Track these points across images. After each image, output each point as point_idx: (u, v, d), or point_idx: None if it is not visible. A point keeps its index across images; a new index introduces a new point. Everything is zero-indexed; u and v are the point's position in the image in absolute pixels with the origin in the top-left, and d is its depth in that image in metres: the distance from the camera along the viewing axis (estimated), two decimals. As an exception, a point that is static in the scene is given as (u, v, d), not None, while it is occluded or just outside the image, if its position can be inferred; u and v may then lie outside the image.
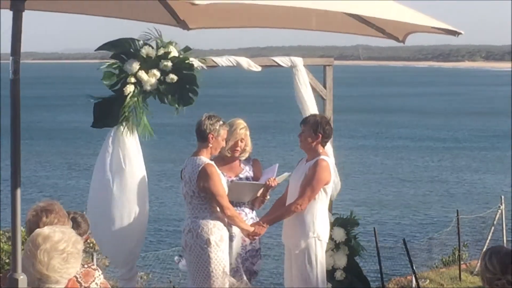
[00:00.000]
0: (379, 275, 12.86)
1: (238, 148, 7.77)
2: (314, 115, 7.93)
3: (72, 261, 3.74)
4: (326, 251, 8.01)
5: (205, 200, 7.23)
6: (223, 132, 7.33)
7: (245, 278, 7.40)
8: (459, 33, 5.23)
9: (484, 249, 5.64)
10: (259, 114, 57.48)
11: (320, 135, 7.65)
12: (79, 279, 4.82)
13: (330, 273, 8.49)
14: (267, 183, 7.70)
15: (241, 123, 7.83)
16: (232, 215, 7.29)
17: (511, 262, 4.69)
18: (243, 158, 7.89)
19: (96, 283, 4.87)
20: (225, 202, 7.25)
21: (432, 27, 5.35)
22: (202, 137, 7.29)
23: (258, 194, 7.81)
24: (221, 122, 7.31)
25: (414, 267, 13.11)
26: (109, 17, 6.46)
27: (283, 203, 7.85)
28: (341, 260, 8.61)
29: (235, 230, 7.59)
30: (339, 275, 8.61)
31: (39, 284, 3.65)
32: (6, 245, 11.06)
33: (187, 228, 7.30)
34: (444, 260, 15.95)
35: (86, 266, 4.92)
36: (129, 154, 7.51)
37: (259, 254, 7.91)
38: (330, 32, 6.49)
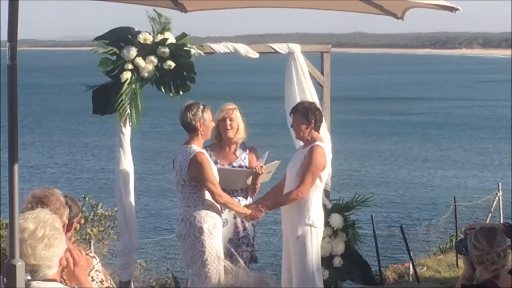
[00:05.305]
0: (377, 263, 12.84)
1: (228, 127, 7.72)
2: (302, 103, 7.88)
3: (56, 243, 3.68)
4: (324, 238, 7.99)
5: (196, 188, 7.20)
6: (208, 115, 7.28)
7: (241, 261, 7.37)
8: (456, 9, 5.15)
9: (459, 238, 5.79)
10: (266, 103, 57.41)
11: (313, 121, 7.60)
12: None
13: (328, 260, 8.48)
14: (254, 170, 7.68)
15: (230, 104, 7.81)
16: (225, 201, 7.27)
17: (495, 235, 4.99)
18: (240, 141, 7.84)
19: (97, 270, 4.85)
20: (217, 189, 7.21)
21: (430, 4, 5.29)
22: (190, 128, 7.25)
23: (249, 182, 7.78)
24: (201, 107, 7.25)
25: (411, 254, 13.10)
26: (105, 0, 6.42)
27: (280, 190, 7.82)
28: (339, 247, 8.59)
29: (227, 216, 7.60)
30: (337, 262, 8.59)
31: (33, 274, 3.61)
32: (6, 232, 11.02)
33: (180, 217, 7.27)
34: (441, 247, 15.93)
35: (84, 253, 4.89)
36: (122, 142, 7.68)
37: (253, 241, 7.87)
38: (327, 10, 6.38)
